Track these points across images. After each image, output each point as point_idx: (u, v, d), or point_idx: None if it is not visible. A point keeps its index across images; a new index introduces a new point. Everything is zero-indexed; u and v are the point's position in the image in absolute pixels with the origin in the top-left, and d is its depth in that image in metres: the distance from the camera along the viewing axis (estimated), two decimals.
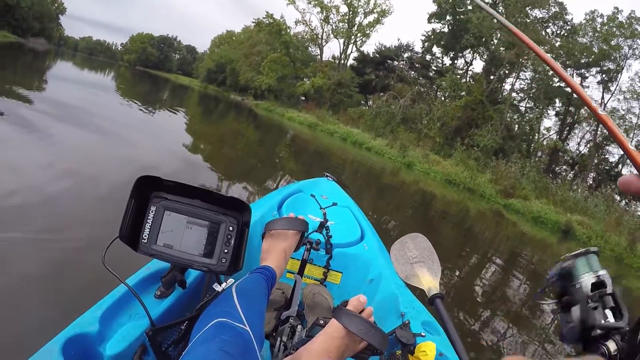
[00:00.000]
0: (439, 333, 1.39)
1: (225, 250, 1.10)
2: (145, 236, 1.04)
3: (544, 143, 28.13)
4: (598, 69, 27.82)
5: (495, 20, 26.86)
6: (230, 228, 1.11)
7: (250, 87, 41.81)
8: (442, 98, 30.68)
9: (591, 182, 25.88)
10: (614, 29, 26.63)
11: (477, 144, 24.15)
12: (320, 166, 11.65)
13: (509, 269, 7.00)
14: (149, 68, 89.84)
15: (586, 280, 0.74)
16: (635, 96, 26.39)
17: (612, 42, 26.63)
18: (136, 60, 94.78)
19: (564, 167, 29.01)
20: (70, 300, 2.11)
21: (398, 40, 50.57)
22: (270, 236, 1.23)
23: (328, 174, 2.95)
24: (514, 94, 29.41)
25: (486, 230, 10.50)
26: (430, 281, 1.51)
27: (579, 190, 19.14)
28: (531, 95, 29.00)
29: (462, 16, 30.18)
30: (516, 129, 27.50)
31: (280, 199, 2.22)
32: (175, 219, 1.07)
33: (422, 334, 1.27)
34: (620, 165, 27.53)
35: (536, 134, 29.07)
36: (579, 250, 0.78)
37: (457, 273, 5.52)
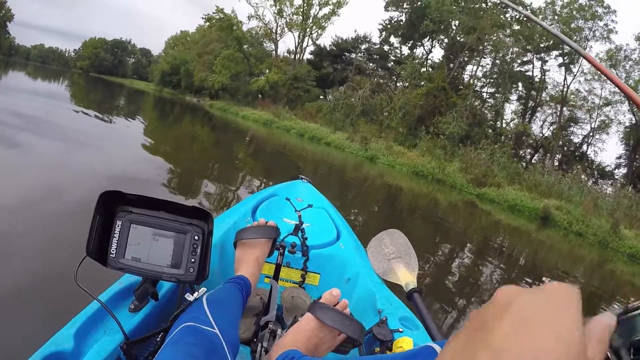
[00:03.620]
0: (417, 327, 1.34)
1: (192, 260, 1.08)
2: (113, 251, 1.04)
3: (510, 127, 27.64)
4: (559, 52, 27.35)
5: (453, 7, 26.63)
6: (196, 237, 1.09)
7: (205, 87, 40.53)
8: (403, 87, 29.79)
9: (557, 164, 25.45)
10: (574, 12, 26.28)
11: (443, 132, 23.01)
12: (280, 165, 11.01)
13: (486, 259, 6.55)
14: (103, 74, 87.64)
15: None
16: (596, 77, 26.05)
17: (573, 25, 26.26)
18: (89, 66, 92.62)
19: (528, 150, 28.56)
20: (47, 320, 1.93)
21: (355, 31, 49.78)
22: (242, 245, 1.28)
23: (303, 177, 2.89)
24: (475, 81, 28.71)
25: (459, 222, 9.49)
26: (407, 276, 1.62)
27: (545, 173, 18.32)
28: (493, 80, 28.42)
29: (419, 2, 29.32)
30: (482, 114, 26.78)
31: (254, 204, 2.18)
32: (141, 232, 1.06)
33: (400, 329, 1.26)
34: (585, 146, 27.33)
35: (501, 119, 28.48)
36: None
37: (431, 267, 5.25)
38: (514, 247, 8.46)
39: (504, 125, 28.43)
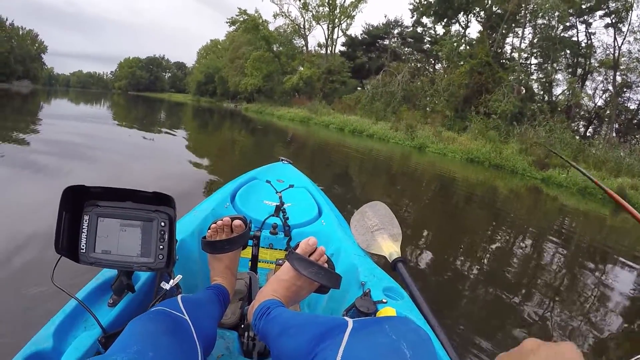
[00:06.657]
0: (402, 297, 1.34)
1: (161, 247, 1.06)
2: (83, 246, 1.04)
3: (566, 95, 25.50)
4: (603, 12, 25.09)
5: None
6: (162, 224, 1.07)
7: (240, 92, 40.46)
8: (444, 67, 28.35)
9: (614, 135, 23.41)
10: None
11: (494, 111, 21.27)
12: (323, 165, 10.44)
13: (555, 248, 5.70)
14: (141, 91, 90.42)
15: None
16: None
17: None
18: (127, 85, 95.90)
19: (581, 122, 26.40)
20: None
21: (385, 17, 48.62)
22: (210, 255, 1.27)
23: (283, 158, 2.97)
24: (522, 53, 26.79)
25: (521, 211, 8.47)
26: (391, 246, 1.62)
27: (600, 145, 16.58)
28: (537, 49, 26.48)
29: None
30: (534, 87, 24.92)
31: (233, 188, 2.19)
32: (108, 224, 1.05)
33: (384, 300, 1.27)
34: None
35: (551, 91, 26.47)
36: None
37: (491, 256, 4.85)
38: (584, 234, 7.34)
39: (558, 97, 26.34)
